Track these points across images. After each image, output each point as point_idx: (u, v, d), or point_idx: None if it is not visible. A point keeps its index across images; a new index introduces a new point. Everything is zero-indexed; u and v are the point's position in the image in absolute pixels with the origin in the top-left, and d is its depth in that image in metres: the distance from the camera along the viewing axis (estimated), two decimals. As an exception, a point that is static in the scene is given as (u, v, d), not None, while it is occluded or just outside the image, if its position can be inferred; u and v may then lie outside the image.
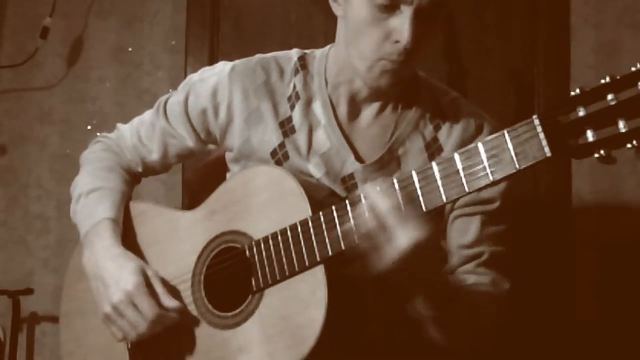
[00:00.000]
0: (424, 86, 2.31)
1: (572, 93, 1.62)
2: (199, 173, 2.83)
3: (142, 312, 2.13)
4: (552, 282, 3.61)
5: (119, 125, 2.55)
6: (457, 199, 1.86)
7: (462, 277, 2.22)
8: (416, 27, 1.99)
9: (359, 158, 2.23)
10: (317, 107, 2.27)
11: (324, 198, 2.14)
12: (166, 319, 2.15)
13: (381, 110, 2.26)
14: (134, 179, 2.54)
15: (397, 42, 2.02)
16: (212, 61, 3.74)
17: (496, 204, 2.23)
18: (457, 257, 2.24)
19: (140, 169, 2.52)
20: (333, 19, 2.22)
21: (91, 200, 2.36)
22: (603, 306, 3.62)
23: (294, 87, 2.29)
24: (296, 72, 2.31)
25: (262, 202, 2.12)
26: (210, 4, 3.88)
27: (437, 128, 2.26)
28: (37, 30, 3.89)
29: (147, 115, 2.49)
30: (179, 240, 2.27)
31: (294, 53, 2.36)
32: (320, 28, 3.77)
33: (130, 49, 3.95)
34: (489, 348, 2.23)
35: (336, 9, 2.18)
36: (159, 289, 2.16)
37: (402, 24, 2.00)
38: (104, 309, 2.18)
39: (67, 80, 3.97)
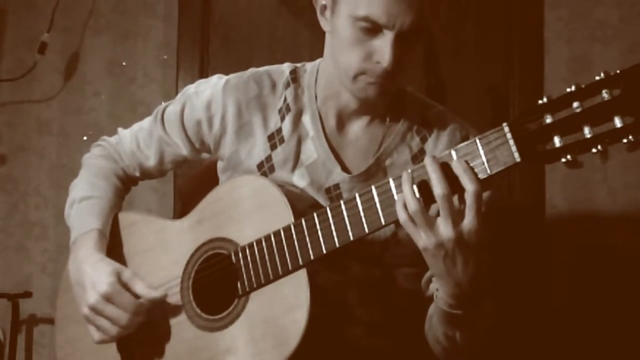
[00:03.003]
0: (410, 100, 2.30)
1: (540, 101, 1.63)
2: (191, 181, 2.82)
3: (121, 306, 2.12)
4: (529, 286, 3.61)
5: (120, 130, 2.55)
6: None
7: None
8: (397, 49, 1.98)
9: (345, 169, 2.21)
10: (307, 120, 2.26)
11: (306, 207, 2.13)
12: (145, 308, 2.15)
13: (369, 123, 2.25)
14: (129, 183, 2.55)
15: (378, 62, 2.02)
16: (202, 75, 3.75)
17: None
18: None
19: (137, 174, 2.52)
20: (318, 34, 2.22)
21: (83, 208, 2.36)
22: (574, 307, 3.63)
23: (285, 99, 2.28)
24: (287, 85, 2.30)
25: (247, 210, 2.11)
26: (200, 21, 3.89)
27: (423, 140, 2.25)
28: (35, 45, 3.90)
29: (146, 122, 2.48)
30: (168, 247, 2.26)
31: (286, 67, 2.35)
32: (305, 43, 3.78)
33: (124, 64, 3.96)
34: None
35: (324, 24, 2.17)
36: (138, 285, 2.15)
37: (383, 46, 1.99)
38: (83, 311, 2.18)
39: (64, 93, 3.97)
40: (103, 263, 2.20)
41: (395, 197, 1.85)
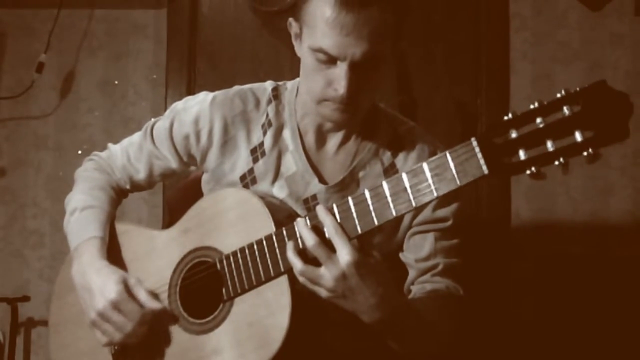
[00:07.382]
0: (383, 117, 2.30)
1: (505, 117, 1.62)
2: (179, 193, 2.81)
3: (127, 314, 2.11)
4: (493, 291, 3.61)
5: (110, 146, 2.53)
6: (407, 213, 1.83)
7: (421, 286, 2.21)
8: (352, 78, 1.99)
9: (322, 181, 2.22)
10: (287, 134, 2.26)
11: (285, 217, 2.12)
12: (149, 318, 2.13)
13: (345, 139, 2.25)
14: (121, 195, 2.52)
15: (336, 90, 2.02)
16: (189, 93, 3.75)
17: (449, 223, 2.23)
18: (415, 270, 2.23)
19: (128, 186, 2.50)
20: (298, 56, 2.21)
21: (83, 217, 2.34)
22: (538, 311, 3.64)
23: (267, 115, 2.28)
24: (269, 101, 2.29)
25: (231, 221, 2.11)
26: (187, 43, 3.91)
27: (394, 155, 2.25)
28: (33, 65, 3.90)
29: (136, 137, 2.47)
30: (157, 256, 2.25)
31: (269, 84, 2.35)
32: (286, 63, 3.79)
33: (116, 82, 3.96)
34: (444, 351, 2.21)
35: (297, 50, 2.17)
36: (142, 293, 2.13)
37: (339, 75, 2.00)
38: (90, 316, 2.16)
39: (60, 110, 3.97)
40: (108, 270, 2.19)
41: (371, 207, 1.84)
